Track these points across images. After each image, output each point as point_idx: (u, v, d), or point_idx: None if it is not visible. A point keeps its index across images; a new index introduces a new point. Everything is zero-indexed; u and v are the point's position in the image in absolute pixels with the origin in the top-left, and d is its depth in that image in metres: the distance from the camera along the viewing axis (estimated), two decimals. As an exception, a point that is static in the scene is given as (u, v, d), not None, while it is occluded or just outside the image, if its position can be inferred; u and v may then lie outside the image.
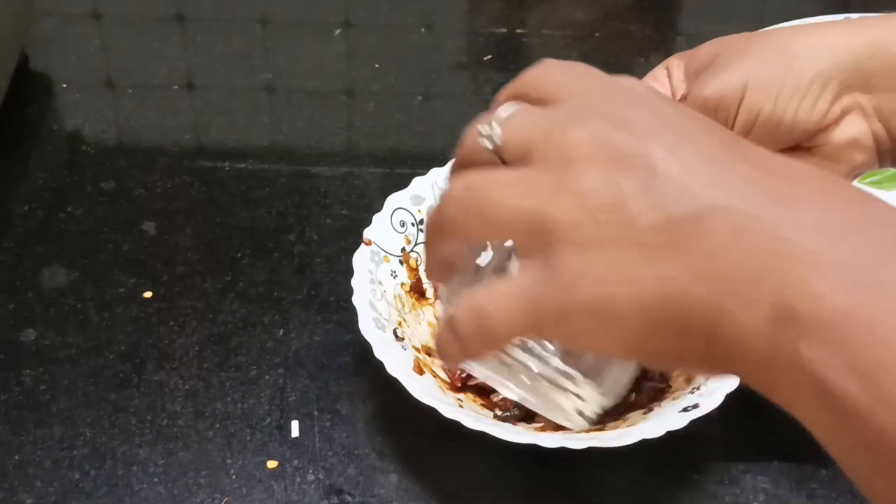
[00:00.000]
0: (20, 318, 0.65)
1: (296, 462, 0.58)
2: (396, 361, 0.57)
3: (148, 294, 0.67)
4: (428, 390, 0.56)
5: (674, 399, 0.58)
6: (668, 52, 0.91)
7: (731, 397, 0.56)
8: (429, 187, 0.66)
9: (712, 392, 0.56)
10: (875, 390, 0.28)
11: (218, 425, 0.60)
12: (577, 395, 0.41)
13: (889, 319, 0.28)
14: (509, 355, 0.40)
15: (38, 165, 0.76)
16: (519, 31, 0.90)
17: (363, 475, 0.58)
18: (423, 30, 0.90)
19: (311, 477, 0.58)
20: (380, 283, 0.61)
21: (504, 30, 0.91)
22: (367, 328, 0.58)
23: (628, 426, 0.56)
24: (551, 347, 0.40)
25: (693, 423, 0.55)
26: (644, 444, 0.54)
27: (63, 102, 0.82)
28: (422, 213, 0.65)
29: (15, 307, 0.66)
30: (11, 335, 0.64)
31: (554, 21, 0.92)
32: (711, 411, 0.55)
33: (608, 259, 0.32)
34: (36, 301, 0.66)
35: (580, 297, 0.33)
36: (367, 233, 0.63)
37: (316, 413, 0.61)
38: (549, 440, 0.54)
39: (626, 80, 0.37)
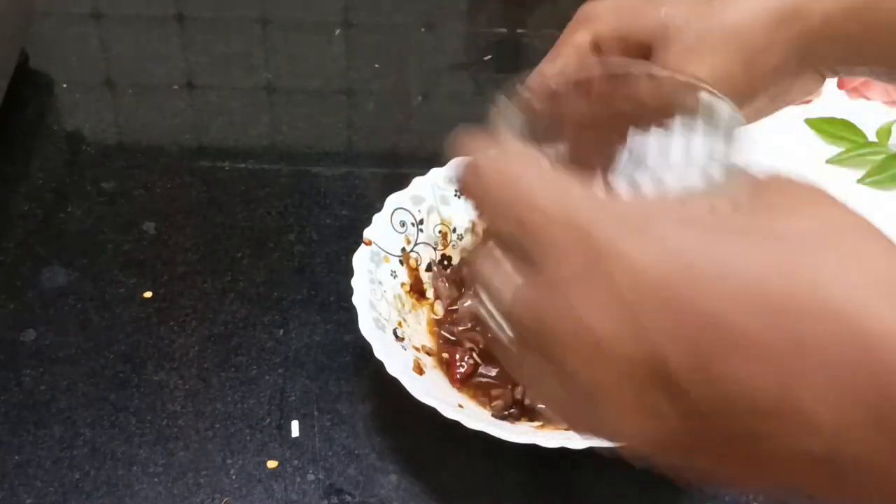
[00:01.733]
0: (20, 318, 0.65)
1: (296, 462, 0.58)
2: (396, 361, 0.57)
3: (148, 294, 0.67)
4: (428, 390, 0.56)
5: None
6: (668, 52, 0.91)
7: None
8: (429, 187, 0.66)
9: None
10: None
11: (218, 425, 0.60)
12: None
13: None
14: None
15: (38, 165, 0.76)
16: (519, 31, 0.90)
17: (363, 475, 0.58)
18: (423, 30, 0.90)
19: (311, 477, 0.58)
20: (380, 283, 0.61)
21: (504, 30, 0.91)
22: (368, 328, 0.58)
23: None
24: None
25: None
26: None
27: (63, 102, 0.82)
28: (422, 214, 0.65)
29: (15, 307, 0.66)
30: (11, 335, 0.64)
31: (554, 21, 0.92)
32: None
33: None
34: (36, 301, 0.66)
35: None
36: (368, 233, 0.63)
37: (316, 413, 0.61)
38: (549, 440, 0.54)
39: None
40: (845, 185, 0.73)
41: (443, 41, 0.91)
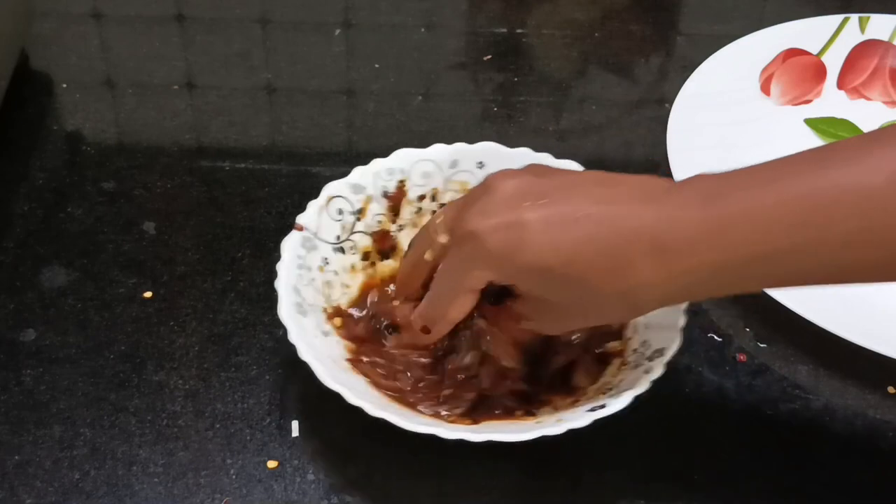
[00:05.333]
0: (20, 318, 0.65)
1: (296, 462, 0.58)
2: (314, 347, 0.57)
3: (148, 294, 0.67)
4: (337, 377, 0.56)
5: (588, 400, 0.58)
6: (669, 53, 0.91)
7: (733, 398, 0.56)
8: (370, 177, 0.65)
9: (620, 394, 0.55)
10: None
11: (218, 425, 0.60)
12: None
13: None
14: None
15: (38, 165, 0.76)
16: (519, 31, 0.90)
17: (363, 475, 0.58)
18: (423, 30, 0.90)
19: (311, 477, 0.58)
20: (309, 268, 0.62)
21: (504, 30, 0.91)
22: (287, 312, 0.58)
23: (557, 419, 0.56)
24: None
25: (692, 422, 0.55)
26: (644, 444, 0.54)
27: (63, 102, 0.82)
28: (361, 203, 0.65)
29: (15, 307, 0.66)
30: (11, 335, 0.64)
31: (554, 21, 0.92)
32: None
33: None
34: (36, 301, 0.66)
35: None
36: (300, 219, 0.63)
37: (316, 413, 0.61)
38: (449, 433, 0.54)
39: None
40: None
41: (443, 41, 0.91)
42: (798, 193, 0.47)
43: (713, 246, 0.48)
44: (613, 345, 0.61)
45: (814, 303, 0.64)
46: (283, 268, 0.60)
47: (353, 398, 0.54)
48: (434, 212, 0.66)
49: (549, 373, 0.60)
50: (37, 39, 0.85)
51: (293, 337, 0.57)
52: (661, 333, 0.59)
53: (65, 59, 0.85)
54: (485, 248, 0.52)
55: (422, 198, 0.66)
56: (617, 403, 0.54)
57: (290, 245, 0.62)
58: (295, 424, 0.60)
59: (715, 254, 0.48)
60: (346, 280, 0.64)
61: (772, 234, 0.47)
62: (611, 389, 0.57)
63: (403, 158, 0.66)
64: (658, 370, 0.56)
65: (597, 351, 0.61)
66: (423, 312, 0.57)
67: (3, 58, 0.77)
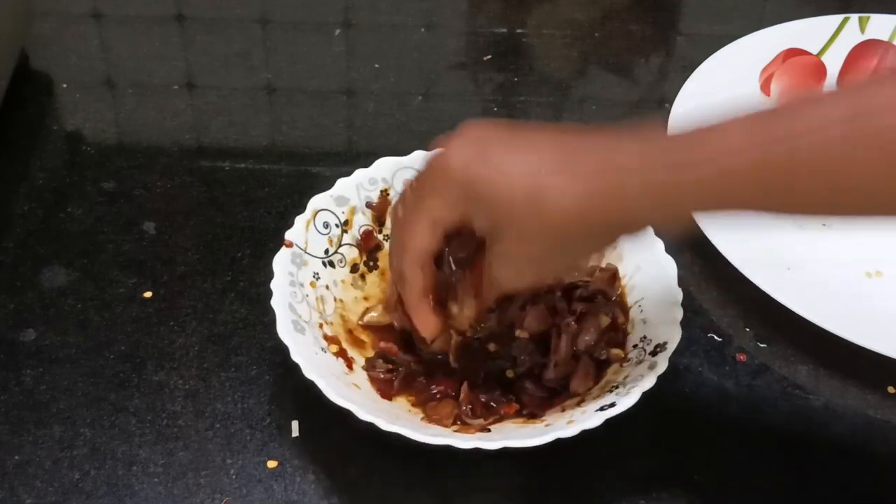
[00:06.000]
0: (20, 318, 0.65)
1: (296, 462, 0.58)
2: (315, 364, 0.57)
3: (148, 294, 0.67)
4: (344, 393, 0.56)
5: (594, 399, 0.58)
6: (669, 53, 0.91)
7: (733, 398, 0.56)
8: (353, 188, 0.65)
9: (629, 391, 0.55)
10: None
11: (218, 425, 0.60)
12: None
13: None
14: None
15: (38, 165, 0.76)
16: (519, 31, 0.91)
17: (363, 475, 0.58)
18: (423, 30, 0.90)
19: (311, 477, 0.58)
20: (301, 285, 0.61)
21: (504, 30, 0.91)
22: (285, 331, 0.57)
23: (547, 426, 0.56)
24: None
25: (692, 422, 0.55)
26: (643, 444, 0.54)
27: (63, 102, 0.82)
28: (346, 215, 0.65)
29: (15, 307, 0.66)
30: (11, 335, 0.64)
31: (554, 21, 0.92)
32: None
33: None
34: (36, 301, 0.66)
35: None
36: (289, 235, 0.63)
37: (316, 413, 0.61)
38: (464, 442, 0.54)
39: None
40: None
41: (443, 41, 0.91)
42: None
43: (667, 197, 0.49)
44: (616, 352, 0.61)
45: (814, 303, 0.64)
46: (276, 286, 0.60)
47: (363, 414, 0.54)
48: None
49: (549, 381, 0.60)
50: (37, 39, 0.85)
51: (295, 356, 0.56)
52: (659, 328, 0.59)
53: (65, 59, 0.85)
54: (448, 170, 0.52)
55: None
56: (626, 401, 0.55)
57: (281, 262, 0.61)
58: (295, 424, 0.60)
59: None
60: (338, 294, 0.64)
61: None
62: (616, 387, 0.57)
63: (384, 167, 0.66)
64: (662, 365, 0.56)
65: (600, 358, 0.61)
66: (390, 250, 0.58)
67: (3, 58, 0.77)
